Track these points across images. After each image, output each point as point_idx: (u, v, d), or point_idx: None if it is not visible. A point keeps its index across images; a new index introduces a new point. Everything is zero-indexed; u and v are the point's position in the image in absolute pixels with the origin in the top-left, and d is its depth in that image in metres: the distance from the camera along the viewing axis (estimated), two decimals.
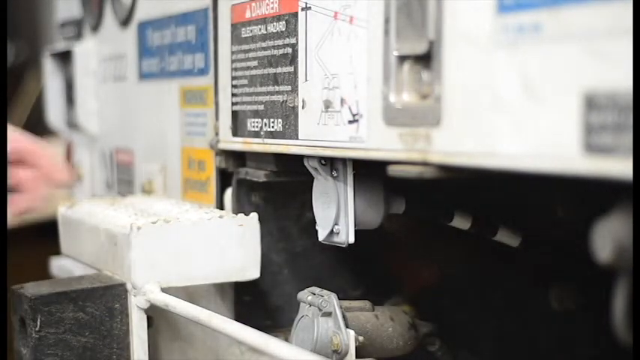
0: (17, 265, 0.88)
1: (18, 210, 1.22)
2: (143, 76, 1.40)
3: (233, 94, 1.11)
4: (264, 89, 1.04)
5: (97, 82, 1.59)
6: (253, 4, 1.06)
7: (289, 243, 1.19)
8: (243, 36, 1.09)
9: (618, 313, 0.64)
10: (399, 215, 1.01)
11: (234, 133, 1.12)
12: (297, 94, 0.98)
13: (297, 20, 0.97)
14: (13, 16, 3.17)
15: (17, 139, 1.25)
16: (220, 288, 1.17)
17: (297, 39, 0.98)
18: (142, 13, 1.40)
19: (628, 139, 0.58)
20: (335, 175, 0.97)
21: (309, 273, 1.18)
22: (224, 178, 1.20)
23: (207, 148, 1.21)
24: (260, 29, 1.04)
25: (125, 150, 1.50)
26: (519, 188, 0.83)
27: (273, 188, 1.16)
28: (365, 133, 0.87)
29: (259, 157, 1.09)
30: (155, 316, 1.10)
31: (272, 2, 1.02)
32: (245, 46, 1.08)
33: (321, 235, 1.00)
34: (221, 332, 0.93)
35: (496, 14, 0.70)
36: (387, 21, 0.83)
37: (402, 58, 0.82)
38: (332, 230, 0.98)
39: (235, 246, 1.08)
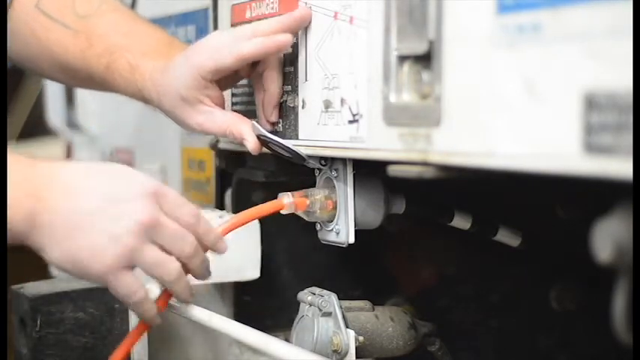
0: (17, 265, 0.88)
1: None
2: None
3: (233, 94, 1.11)
4: None
5: None
6: (253, 4, 1.06)
7: (289, 243, 1.18)
8: None
9: (618, 313, 0.64)
10: (399, 215, 1.01)
11: None
12: (297, 94, 0.98)
13: None
14: None
15: None
16: (220, 288, 1.17)
17: (297, 39, 0.98)
18: (142, 13, 1.39)
19: (628, 139, 0.58)
20: (335, 175, 0.97)
21: (309, 273, 1.18)
22: (224, 178, 1.20)
23: (207, 148, 1.21)
24: None
25: (125, 150, 1.50)
26: (519, 188, 0.83)
27: (273, 188, 1.16)
28: (365, 133, 0.87)
29: (259, 157, 1.09)
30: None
31: (272, 2, 1.02)
32: None
33: (321, 235, 1.01)
34: (221, 332, 0.93)
35: (496, 14, 0.69)
36: (387, 21, 0.83)
37: (402, 58, 0.82)
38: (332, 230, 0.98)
39: (235, 246, 1.08)
